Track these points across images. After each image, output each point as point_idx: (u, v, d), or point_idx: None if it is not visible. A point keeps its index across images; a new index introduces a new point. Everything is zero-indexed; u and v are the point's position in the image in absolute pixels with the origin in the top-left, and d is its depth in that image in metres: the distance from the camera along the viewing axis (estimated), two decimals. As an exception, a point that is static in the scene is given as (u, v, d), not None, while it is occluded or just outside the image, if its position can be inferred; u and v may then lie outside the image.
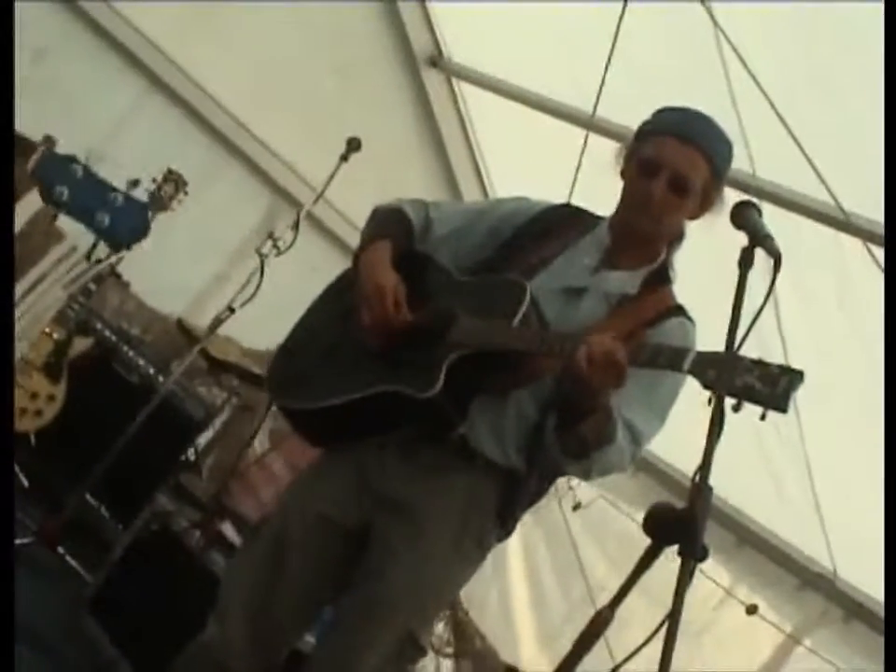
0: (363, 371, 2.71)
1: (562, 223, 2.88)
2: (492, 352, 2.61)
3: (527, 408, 2.67)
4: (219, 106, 6.06)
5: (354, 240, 6.42)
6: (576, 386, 2.42)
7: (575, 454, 2.58)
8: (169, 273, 5.86)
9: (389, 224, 2.91)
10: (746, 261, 2.16)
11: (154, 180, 4.28)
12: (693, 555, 1.96)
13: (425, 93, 6.45)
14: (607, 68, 5.26)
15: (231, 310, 4.11)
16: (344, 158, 4.26)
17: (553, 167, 5.86)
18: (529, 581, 6.76)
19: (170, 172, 4.31)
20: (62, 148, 2.36)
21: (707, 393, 2.14)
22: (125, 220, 2.03)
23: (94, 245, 3.79)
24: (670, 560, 2.01)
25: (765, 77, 4.42)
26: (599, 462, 2.59)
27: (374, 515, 2.70)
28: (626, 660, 2.05)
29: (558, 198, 5.59)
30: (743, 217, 2.20)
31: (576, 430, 2.51)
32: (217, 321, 4.21)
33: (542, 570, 6.74)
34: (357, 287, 2.79)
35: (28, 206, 3.84)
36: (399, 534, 2.67)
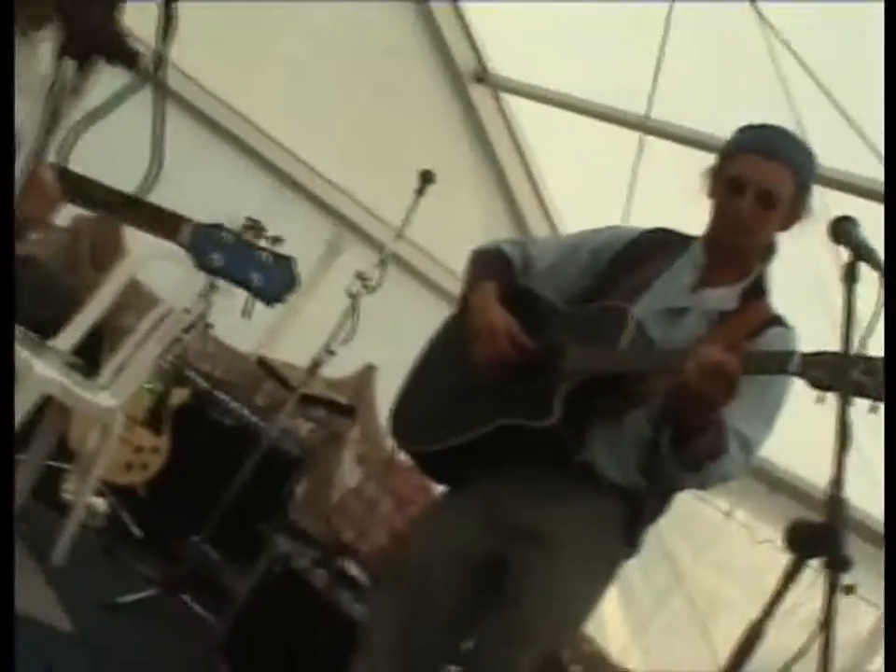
0: (481, 408, 2.82)
1: (656, 246, 2.96)
2: (604, 377, 2.71)
3: (643, 427, 2.75)
4: (272, 140, 6.17)
5: (412, 257, 6.61)
6: (687, 401, 2.51)
7: (691, 467, 2.67)
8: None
9: (491, 265, 3.01)
10: (850, 276, 2.21)
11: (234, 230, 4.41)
12: (838, 568, 2.05)
13: (473, 109, 6.54)
14: (657, 69, 5.32)
15: (331, 352, 4.20)
16: (419, 192, 4.34)
17: (608, 172, 5.94)
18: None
19: (249, 220, 4.43)
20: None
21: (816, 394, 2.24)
22: (276, 277, 2.15)
23: (253, 304, 3.92)
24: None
25: (815, 66, 4.49)
26: (715, 473, 2.67)
27: (505, 546, 2.80)
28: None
29: (616, 202, 5.74)
30: (843, 232, 2.26)
31: (691, 444, 2.60)
32: (315, 364, 4.30)
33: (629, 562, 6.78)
34: (469, 327, 2.90)
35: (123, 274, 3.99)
36: (532, 561, 2.76)
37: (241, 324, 6.01)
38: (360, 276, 4.17)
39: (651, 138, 5.55)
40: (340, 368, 6.24)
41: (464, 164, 6.69)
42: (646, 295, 2.85)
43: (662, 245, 2.98)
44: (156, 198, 2.38)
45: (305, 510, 5.26)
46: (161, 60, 1.60)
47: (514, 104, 6.57)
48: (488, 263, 3.03)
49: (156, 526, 4.69)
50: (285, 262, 2.19)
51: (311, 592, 3.82)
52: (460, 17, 6.43)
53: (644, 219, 4.86)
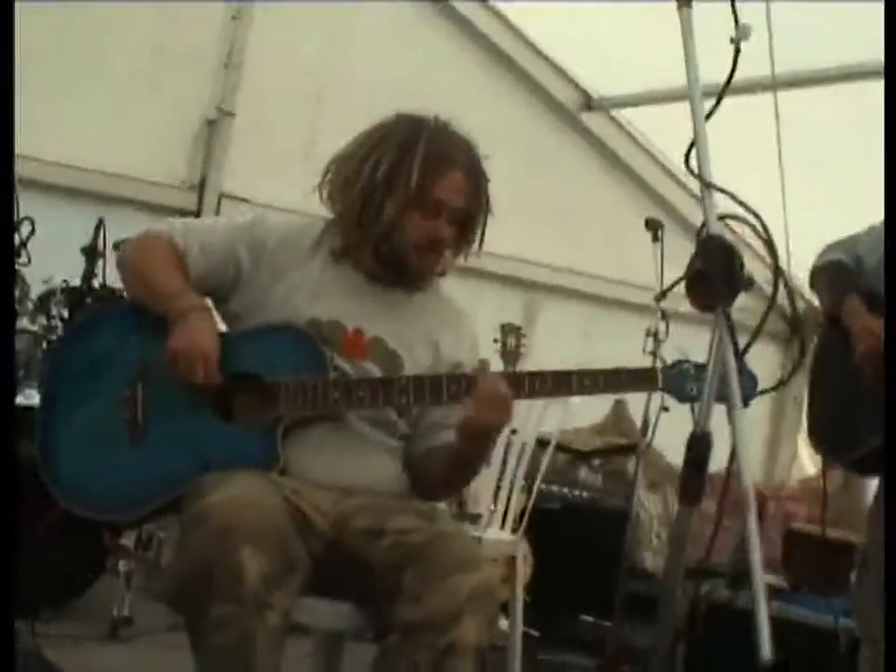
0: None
1: None
2: None
3: None
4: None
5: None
6: None
7: None
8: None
9: (841, 277, 3.31)
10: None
11: (495, 340, 4.76)
12: None
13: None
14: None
15: (665, 408, 4.39)
16: (656, 239, 4.57)
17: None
18: None
19: (508, 325, 4.74)
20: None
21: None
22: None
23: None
24: None
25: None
26: None
27: None
28: None
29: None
30: None
31: None
32: (646, 424, 4.55)
33: None
34: (853, 337, 3.21)
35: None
36: None
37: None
38: (649, 333, 4.42)
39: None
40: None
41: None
42: None
43: None
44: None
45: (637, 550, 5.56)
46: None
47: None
48: (838, 277, 3.31)
49: (548, 624, 5.02)
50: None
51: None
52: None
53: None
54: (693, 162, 1.91)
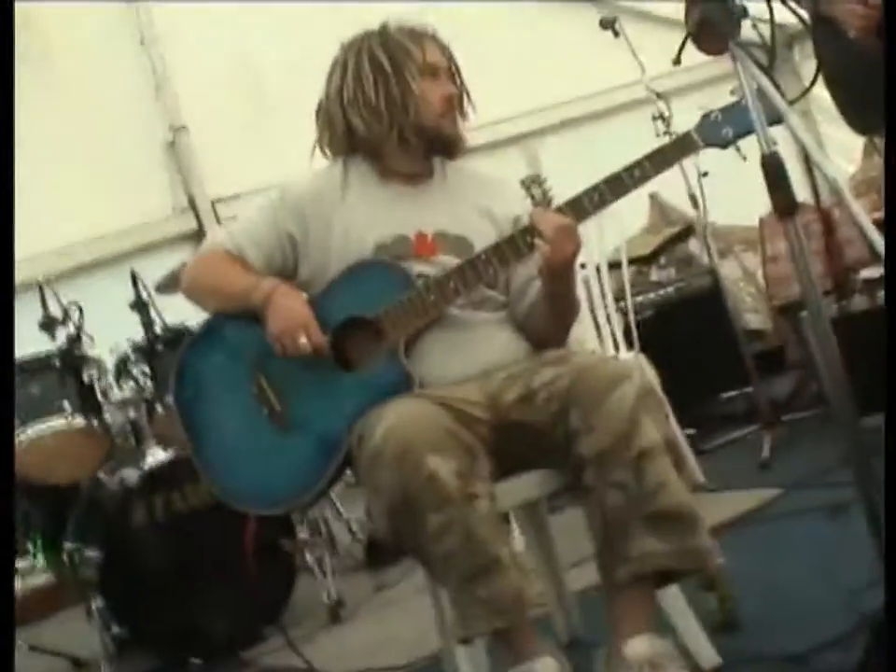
0: None
1: None
2: None
3: None
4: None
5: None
6: None
7: None
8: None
9: None
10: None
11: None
12: None
13: None
14: None
15: (704, 173, 4.41)
16: (616, 35, 4.60)
17: None
18: None
19: (524, 179, 4.83)
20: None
21: None
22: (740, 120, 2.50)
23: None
24: None
25: None
26: None
27: None
28: None
29: None
30: None
31: None
32: (694, 199, 4.61)
33: None
34: (841, 24, 3.26)
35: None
36: None
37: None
38: (655, 117, 4.49)
39: None
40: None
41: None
42: None
43: None
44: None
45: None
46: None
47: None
48: None
49: (696, 419, 5.16)
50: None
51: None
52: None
53: None
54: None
